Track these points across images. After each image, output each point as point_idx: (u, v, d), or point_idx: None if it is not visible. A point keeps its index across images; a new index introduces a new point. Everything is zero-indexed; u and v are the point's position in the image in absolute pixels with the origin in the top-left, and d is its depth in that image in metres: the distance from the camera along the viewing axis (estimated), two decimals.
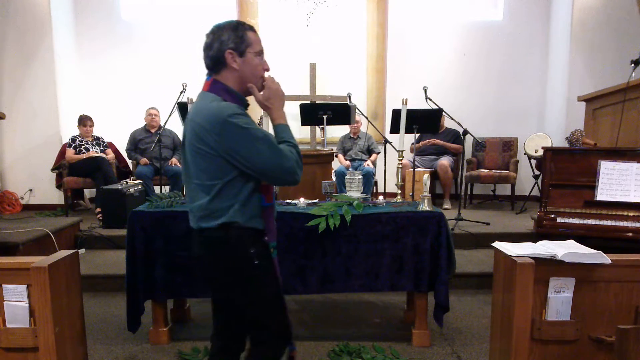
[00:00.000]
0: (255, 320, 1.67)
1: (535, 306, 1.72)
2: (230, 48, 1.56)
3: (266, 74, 1.67)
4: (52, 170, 5.36)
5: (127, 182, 4.75)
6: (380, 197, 2.81)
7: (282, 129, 1.65)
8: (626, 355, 1.52)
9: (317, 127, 5.50)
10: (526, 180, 5.79)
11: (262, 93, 1.64)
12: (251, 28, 1.61)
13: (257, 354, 1.68)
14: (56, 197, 5.54)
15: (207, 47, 1.59)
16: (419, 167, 5.13)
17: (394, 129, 3.90)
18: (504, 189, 5.94)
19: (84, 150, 5.21)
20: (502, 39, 6.00)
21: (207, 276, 1.76)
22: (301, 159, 1.63)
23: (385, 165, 4.62)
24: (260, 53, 1.62)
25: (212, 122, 1.48)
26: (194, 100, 1.69)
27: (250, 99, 1.68)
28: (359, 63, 6.07)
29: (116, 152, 5.66)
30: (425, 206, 2.62)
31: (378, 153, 5.50)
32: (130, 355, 2.59)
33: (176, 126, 5.04)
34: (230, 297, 1.69)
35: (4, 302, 1.77)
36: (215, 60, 1.58)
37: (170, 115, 4.74)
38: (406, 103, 2.96)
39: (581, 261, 1.69)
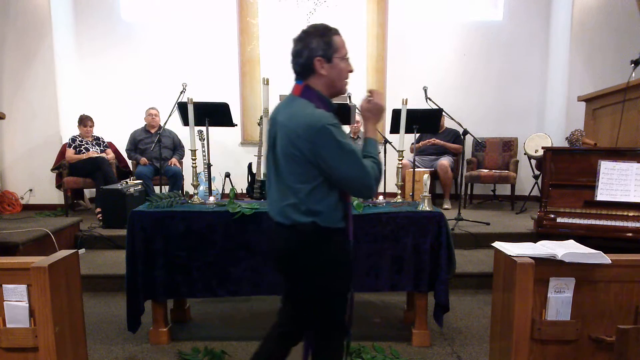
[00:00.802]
0: (326, 315, 1.77)
1: (535, 306, 1.72)
2: (319, 55, 1.62)
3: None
4: (52, 170, 5.36)
5: (127, 182, 4.75)
6: (380, 197, 2.81)
7: (371, 143, 1.74)
8: (626, 355, 1.52)
9: None
10: (526, 180, 5.79)
11: (364, 104, 1.73)
12: (337, 32, 1.66)
13: (322, 348, 1.80)
14: (56, 197, 5.54)
15: (297, 54, 1.66)
16: (419, 167, 5.12)
17: (394, 129, 3.90)
18: (504, 189, 5.94)
19: (84, 150, 5.21)
20: (502, 39, 6.00)
21: (287, 269, 1.80)
22: (381, 174, 1.70)
23: (385, 165, 4.62)
24: (345, 56, 1.68)
25: (306, 129, 1.56)
26: (281, 100, 1.77)
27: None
28: (359, 63, 6.07)
29: (116, 152, 5.66)
30: (425, 206, 2.62)
31: (378, 153, 5.49)
32: (130, 355, 2.59)
33: (176, 126, 5.03)
34: (306, 291, 1.77)
35: (4, 302, 1.77)
36: (304, 67, 1.66)
37: (170, 115, 4.74)
38: (406, 103, 2.95)
39: (581, 261, 1.69)
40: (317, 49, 1.62)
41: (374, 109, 1.73)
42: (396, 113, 3.88)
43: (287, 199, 1.67)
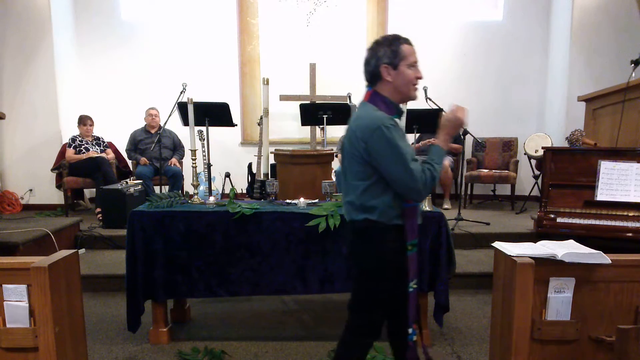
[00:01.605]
0: (361, 306, 1.85)
1: (535, 306, 1.72)
2: (385, 63, 1.73)
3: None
4: (52, 170, 5.36)
5: (127, 182, 4.74)
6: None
7: (436, 150, 1.79)
8: (626, 355, 1.52)
9: (317, 127, 5.50)
10: (526, 180, 5.78)
11: (448, 114, 1.81)
12: (406, 41, 1.77)
13: (347, 343, 1.89)
14: (56, 197, 5.54)
15: (366, 63, 1.80)
16: None
17: None
18: (504, 189, 5.94)
19: (84, 150, 5.21)
20: (502, 39, 6.00)
21: (352, 263, 1.94)
22: (434, 181, 1.73)
23: None
24: (413, 64, 1.76)
25: (363, 130, 1.69)
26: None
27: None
28: (359, 63, 6.04)
29: (116, 152, 5.66)
30: (425, 206, 2.62)
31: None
32: (130, 355, 2.59)
33: (176, 126, 5.03)
34: (361, 283, 1.87)
35: (4, 302, 1.77)
36: (372, 74, 1.78)
37: (170, 116, 4.74)
38: (406, 103, 2.95)
39: (581, 261, 1.68)
40: (383, 57, 1.73)
41: (453, 121, 1.80)
42: None
43: (347, 196, 1.81)
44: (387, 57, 1.73)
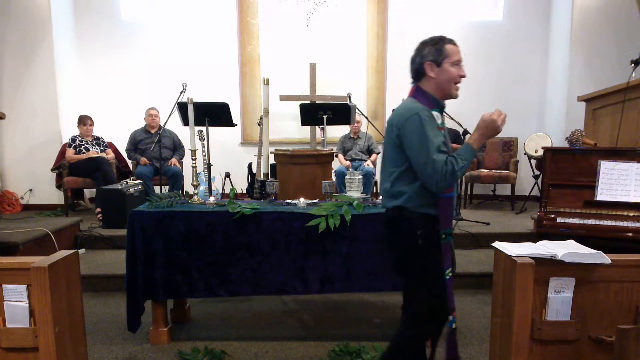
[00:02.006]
0: (407, 295, 1.93)
1: (535, 306, 1.72)
2: (429, 60, 1.83)
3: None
4: (52, 170, 5.36)
5: (127, 182, 4.75)
6: (380, 197, 2.81)
7: (466, 147, 1.83)
8: (626, 355, 1.52)
9: (317, 127, 5.50)
10: (526, 180, 5.78)
11: (487, 115, 1.83)
12: (451, 41, 1.87)
13: (401, 329, 1.92)
14: (56, 197, 5.54)
15: (412, 61, 1.90)
16: None
17: None
18: (504, 189, 5.94)
19: (84, 150, 5.21)
20: (502, 39, 6.00)
21: (389, 249, 2.00)
22: (454, 175, 1.75)
23: None
24: (457, 62, 1.85)
25: (399, 117, 1.80)
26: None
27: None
28: (359, 63, 6.07)
29: (116, 152, 5.66)
30: None
31: (378, 153, 5.50)
32: (130, 355, 2.59)
33: (176, 126, 5.03)
34: (397, 270, 1.99)
35: (4, 302, 1.77)
36: (416, 71, 1.88)
37: (170, 116, 4.74)
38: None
39: (581, 261, 1.68)
40: (428, 55, 1.83)
41: (489, 124, 1.82)
42: None
43: (383, 183, 1.92)
44: (432, 55, 1.82)
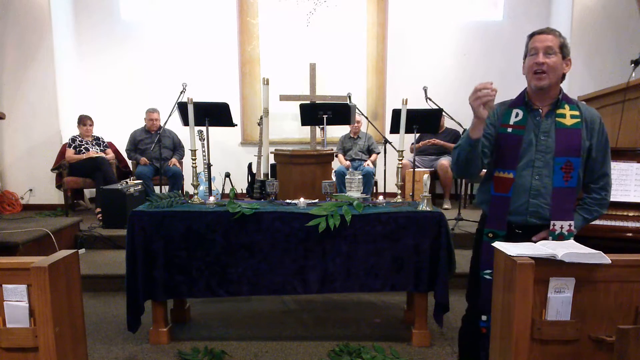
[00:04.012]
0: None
1: (535, 306, 1.71)
2: (523, 58, 1.90)
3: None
4: (52, 170, 5.36)
5: (127, 182, 4.75)
6: (380, 197, 2.81)
7: (465, 132, 1.91)
8: (626, 355, 1.52)
9: (317, 127, 5.50)
10: None
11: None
12: (535, 33, 1.85)
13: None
14: (56, 197, 5.54)
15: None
16: (419, 167, 5.12)
17: (394, 129, 3.90)
18: None
19: (84, 150, 5.21)
20: (502, 39, 6.00)
21: None
22: (458, 160, 1.88)
23: (385, 165, 4.62)
24: (531, 52, 1.84)
25: None
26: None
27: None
28: (359, 63, 6.07)
29: (116, 152, 5.66)
30: (425, 206, 2.62)
31: (378, 153, 5.50)
32: (130, 355, 2.59)
33: (176, 126, 5.03)
34: None
35: (4, 302, 1.76)
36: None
37: (170, 116, 4.74)
38: (406, 103, 2.95)
39: (581, 261, 1.68)
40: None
41: (471, 95, 1.83)
42: (396, 113, 3.88)
43: None
44: (524, 53, 1.89)
